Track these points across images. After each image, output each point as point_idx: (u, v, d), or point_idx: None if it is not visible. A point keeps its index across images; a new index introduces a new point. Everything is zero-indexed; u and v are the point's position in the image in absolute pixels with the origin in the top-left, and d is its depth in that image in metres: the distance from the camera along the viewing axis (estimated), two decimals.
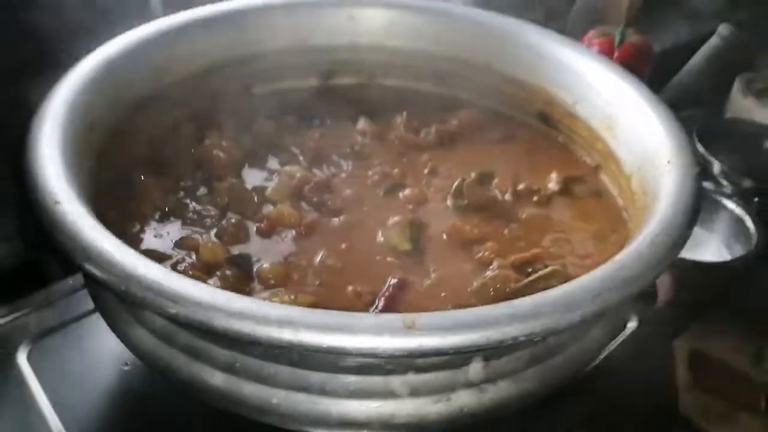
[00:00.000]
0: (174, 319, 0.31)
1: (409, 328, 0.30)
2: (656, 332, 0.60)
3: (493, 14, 0.63)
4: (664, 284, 0.69)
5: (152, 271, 0.32)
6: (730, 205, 0.90)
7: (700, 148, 0.96)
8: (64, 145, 0.43)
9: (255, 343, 0.30)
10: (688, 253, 0.87)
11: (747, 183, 0.93)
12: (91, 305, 0.55)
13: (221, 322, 0.30)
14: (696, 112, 1.04)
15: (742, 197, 0.91)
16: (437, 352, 0.30)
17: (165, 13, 0.59)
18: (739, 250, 0.86)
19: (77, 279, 0.58)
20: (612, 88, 0.54)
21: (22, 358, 0.52)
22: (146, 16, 0.57)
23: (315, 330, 0.31)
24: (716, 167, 0.94)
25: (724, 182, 0.94)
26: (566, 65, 0.58)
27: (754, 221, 0.87)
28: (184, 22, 0.57)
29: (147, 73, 0.55)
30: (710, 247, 0.91)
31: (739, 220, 0.89)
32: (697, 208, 0.40)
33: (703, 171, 0.44)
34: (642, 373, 0.56)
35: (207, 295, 0.31)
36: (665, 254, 0.36)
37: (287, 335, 0.30)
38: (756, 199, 0.92)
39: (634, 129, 0.51)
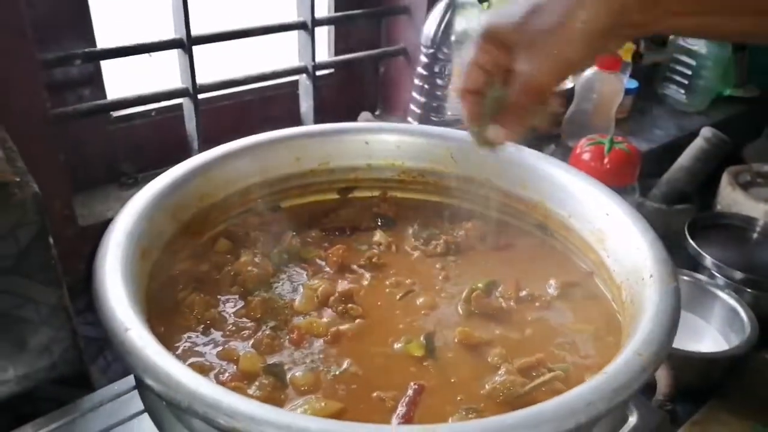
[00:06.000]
0: None
1: None
2: (658, 424, 0.64)
3: None
4: (663, 377, 0.74)
5: (211, 391, 0.38)
6: (724, 296, 0.96)
7: (691, 243, 1.03)
8: (125, 273, 0.49)
9: None
10: (688, 343, 0.92)
11: (738, 275, 0.98)
12: (135, 409, 0.61)
13: None
14: (686, 207, 1.12)
15: (735, 289, 0.97)
16: None
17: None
18: (734, 340, 0.91)
19: (120, 384, 0.64)
20: (601, 205, 0.61)
21: None
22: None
23: None
24: (708, 261, 1.00)
25: (717, 274, 1.00)
26: (559, 183, 0.65)
27: (746, 312, 0.92)
28: (223, 153, 0.66)
29: (190, 200, 0.62)
30: (708, 336, 0.96)
31: (733, 311, 0.94)
32: (676, 321, 0.46)
33: (676, 281, 0.50)
34: None
35: (258, 411, 0.37)
36: (647, 365, 0.42)
37: None
38: (749, 290, 0.98)
39: (621, 243, 0.58)
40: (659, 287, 0.50)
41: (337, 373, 0.52)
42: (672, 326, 0.45)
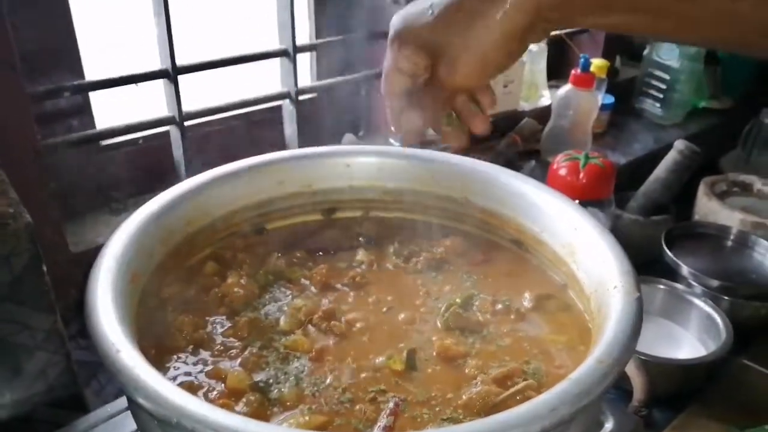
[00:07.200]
0: None
1: None
2: (633, 430, 0.66)
3: (467, 158, 0.74)
4: (638, 383, 0.76)
5: (198, 407, 0.41)
6: (701, 303, 0.99)
7: (668, 253, 1.06)
8: (115, 297, 0.52)
9: None
10: (667, 350, 0.94)
11: (714, 283, 1.01)
12: (128, 429, 0.63)
13: None
14: (663, 218, 1.15)
15: (711, 297, 1.00)
16: None
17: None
18: (711, 346, 0.94)
19: (114, 406, 0.66)
20: (570, 220, 0.64)
21: None
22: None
23: None
24: (684, 270, 1.03)
25: (694, 283, 1.03)
26: (531, 200, 0.68)
27: (722, 318, 0.95)
28: (209, 179, 0.68)
29: (178, 225, 0.65)
30: (686, 343, 0.99)
31: (710, 318, 0.97)
32: (638, 329, 0.49)
33: (638, 291, 0.53)
34: None
35: (243, 425, 0.40)
36: (609, 371, 0.44)
37: None
38: (725, 297, 1.01)
39: (589, 256, 0.61)
40: (623, 297, 0.52)
41: (321, 388, 0.55)
42: (633, 334, 0.48)
